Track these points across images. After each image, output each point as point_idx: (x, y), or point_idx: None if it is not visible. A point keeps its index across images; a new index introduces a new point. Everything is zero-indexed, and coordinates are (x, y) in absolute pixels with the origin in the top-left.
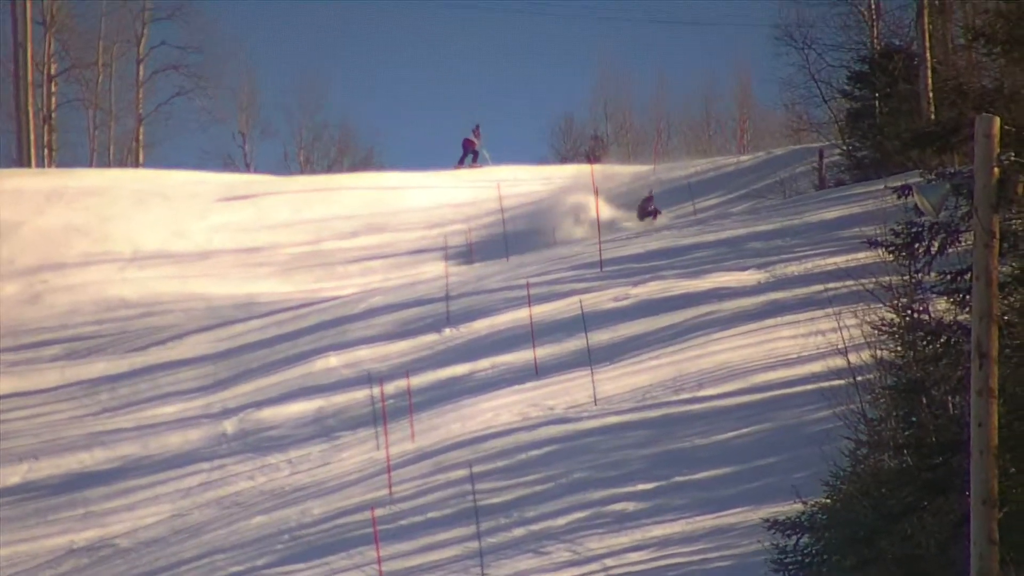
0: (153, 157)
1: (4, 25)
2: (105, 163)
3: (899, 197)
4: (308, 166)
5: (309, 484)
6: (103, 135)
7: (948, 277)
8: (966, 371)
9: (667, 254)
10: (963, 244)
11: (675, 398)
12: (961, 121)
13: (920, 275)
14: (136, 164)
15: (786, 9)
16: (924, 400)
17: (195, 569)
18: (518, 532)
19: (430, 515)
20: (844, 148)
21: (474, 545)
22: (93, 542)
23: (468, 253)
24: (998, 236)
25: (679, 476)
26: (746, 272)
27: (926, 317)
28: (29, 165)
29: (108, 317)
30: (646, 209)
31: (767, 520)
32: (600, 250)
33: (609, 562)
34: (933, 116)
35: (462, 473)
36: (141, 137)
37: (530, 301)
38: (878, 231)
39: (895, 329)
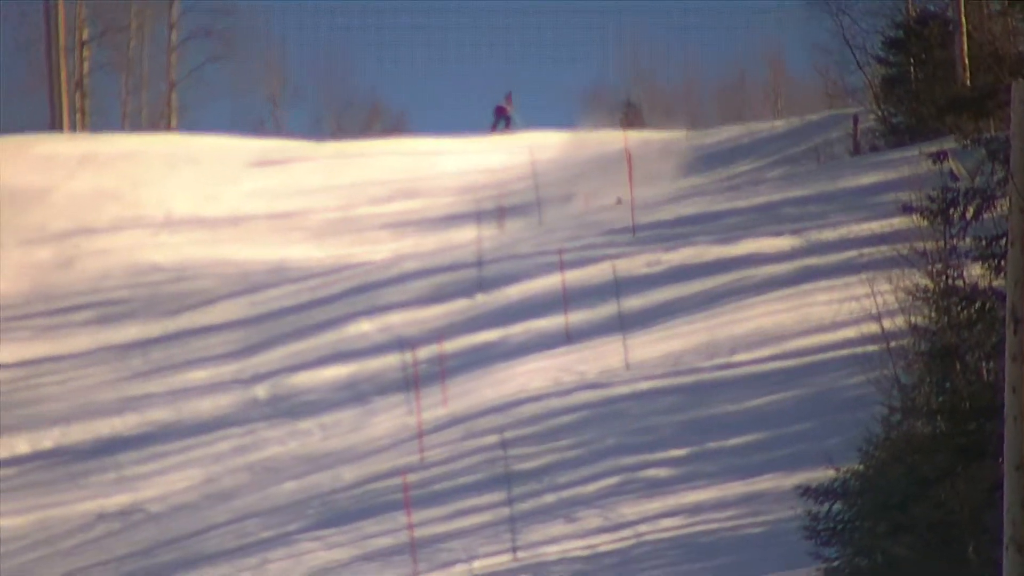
0: (185, 122)
1: None
2: (137, 128)
3: (934, 163)
4: (340, 131)
5: (341, 449)
6: (135, 100)
7: (983, 242)
8: (1001, 336)
9: (700, 220)
10: (998, 209)
11: (707, 364)
12: (996, 86)
13: (955, 240)
14: (168, 129)
15: None
16: (958, 366)
17: (226, 534)
18: (549, 498)
19: (461, 481)
20: (879, 114)
21: (505, 511)
22: (124, 507)
23: (500, 218)
24: None
25: (711, 442)
26: (780, 238)
27: (961, 282)
28: (61, 130)
29: (140, 282)
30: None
31: (799, 486)
32: (633, 215)
33: (641, 528)
34: (968, 82)
35: (494, 439)
36: (173, 102)
37: (563, 266)
38: (913, 197)
39: (929, 295)
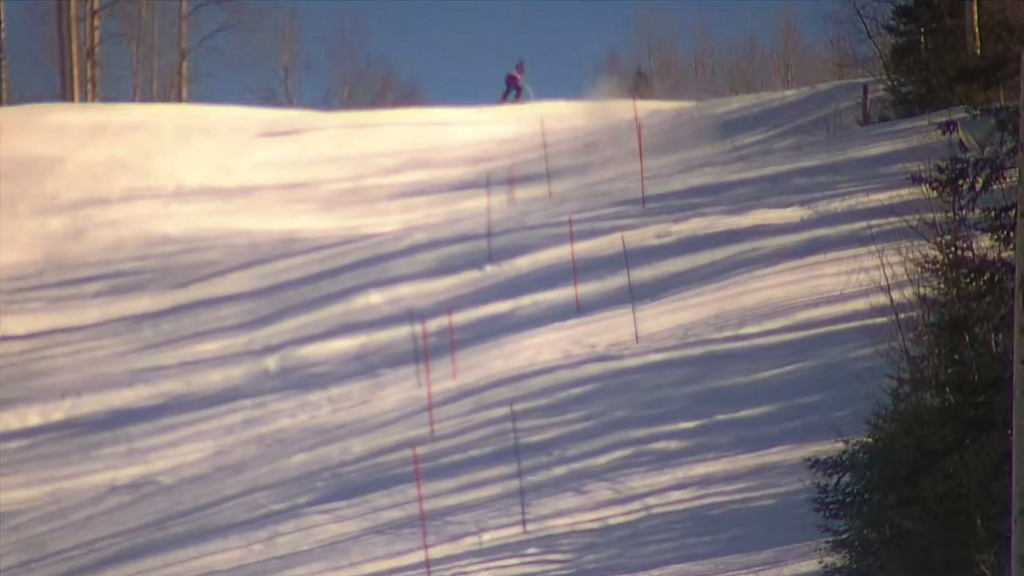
0: (196, 92)
1: None
2: (148, 98)
3: (944, 133)
4: (351, 102)
5: (350, 421)
6: (146, 70)
7: (992, 214)
8: (1010, 308)
9: (709, 191)
10: (1008, 180)
11: (717, 336)
12: (1007, 56)
13: (964, 212)
14: (179, 99)
15: None
16: (967, 338)
17: (237, 506)
18: (559, 470)
19: (471, 453)
20: (889, 84)
21: (515, 483)
22: (136, 479)
23: (511, 189)
24: None
25: (721, 414)
26: (789, 209)
27: (970, 254)
28: (72, 100)
29: (151, 253)
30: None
31: (808, 459)
32: (643, 187)
33: (650, 500)
34: (979, 51)
35: (503, 411)
36: (184, 72)
37: (572, 238)
38: (922, 167)
39: (938, 266)
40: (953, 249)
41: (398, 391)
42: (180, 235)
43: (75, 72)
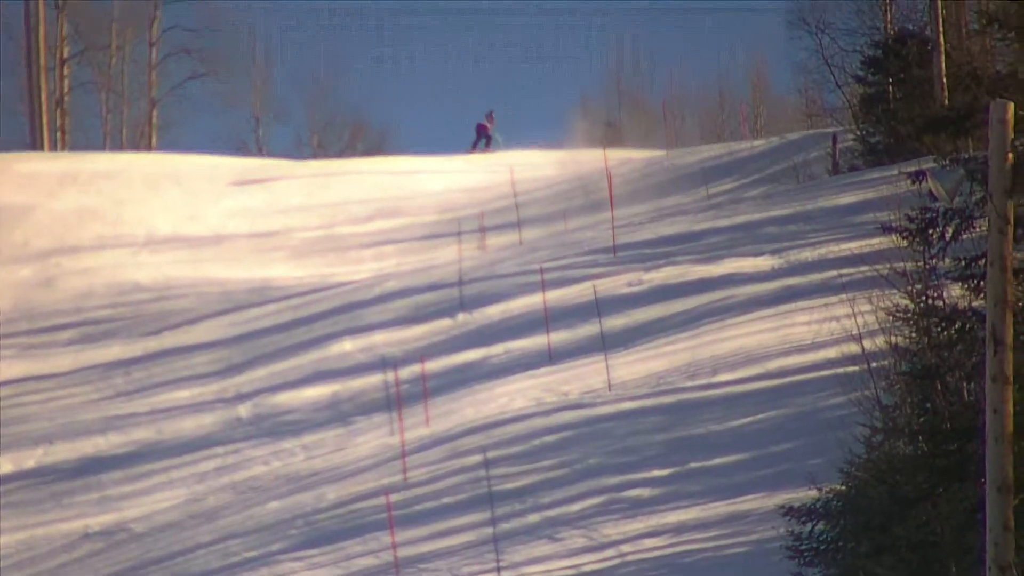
0: (166, 141)
1: (17, 8)
2: (118, 147)
3: (913, 183)
4: (321, 150)
5: (324, 469)
6: (116, 118)
7: (963, 263)
8: (981, 357)
9: (681, 239)
10: (978, 230)
11: (690, 383)
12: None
13: (935, 261)
14: (149, 148)
15: None
16: (939, 386)
17: (210, 554)
18: (533, 518)
19: (445, 500)
20: (858, 133)
21: (489, 531)
22: (108, 526)
23: (482, 237)
24: (1013, 222)
25: (694, 462)
26: (761, 257)
27: (941, 303)
28: (42, 148)
29: (122, 301)
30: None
31: (782, 506)
32: (614, 235)
33: (624, 548)
34: (947, 101)
35: (477, 459)
36: (154, 121)
37: (544, 286)
38: (892, 216)
39: (910, 315)
40: (924, 298)
41: (371, 439)
42: (151, 283)
43: (44, 120)
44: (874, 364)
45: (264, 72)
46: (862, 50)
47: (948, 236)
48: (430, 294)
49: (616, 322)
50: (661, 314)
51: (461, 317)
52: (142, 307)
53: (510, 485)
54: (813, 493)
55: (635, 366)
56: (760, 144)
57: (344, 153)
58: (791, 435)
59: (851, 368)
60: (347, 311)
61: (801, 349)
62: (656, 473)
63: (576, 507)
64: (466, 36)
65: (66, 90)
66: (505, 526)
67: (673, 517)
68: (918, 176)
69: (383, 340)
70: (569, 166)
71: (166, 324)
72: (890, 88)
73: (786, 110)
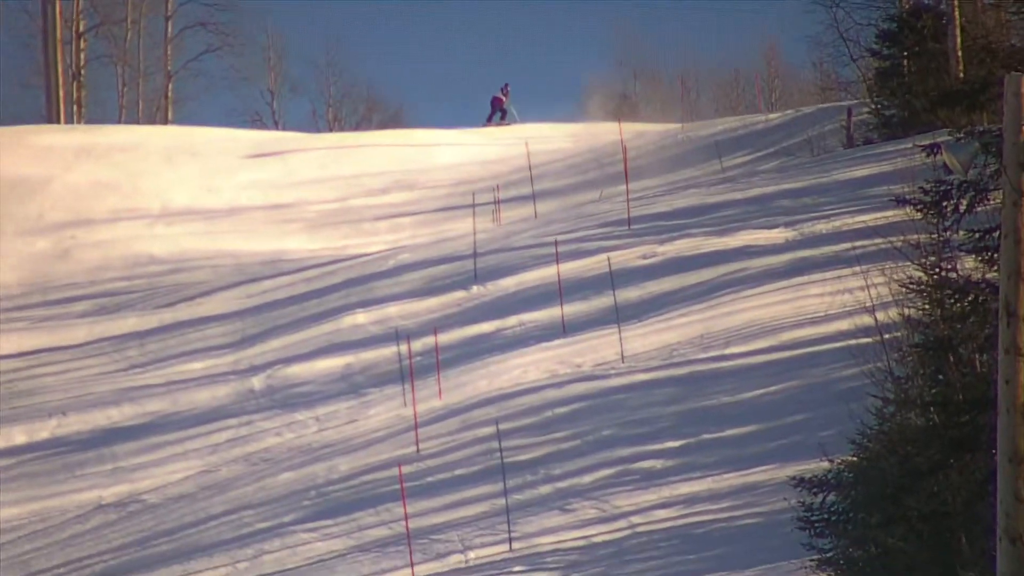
0: (182, 114)
1: None
2: (134, 120)
3: (928, 155)
4: (336, 124)
5: (336, 441)
6: (132, 92)
7: (976, 235)
8: (994, 329)
9: (695, 212)
10: (991, 202)
11: (703, 355)
12: (990, 80)
13: (948, 233)
14: (165, 121)
15: None
16: (951, 358)
17: (223, 525)
18: (545, 489)
19: (457, 472)
20: (872, 107)
21: (501, 502)
22: (122, 497)
23: (496, 210)
24: None
25: (706, 434)
26: (775, 230)
27: (954, 275)
28: (58, 121)
29: (137, 273)
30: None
31: (794, 478)
32: (628, 208)
33: (636, 519)
34: (962, 75)
35: (489, 430)
36: (170, 94)
37: (558, 258)
38: (906, 189)
39: (923, 287)
40: (937, 270)
41: (384, 410)
42: (166, 255)
43: (61, 94)
44: (887, 336)
45: (279, 46)
46: (877, 24)
47: (962, 208)
48: (444, 266)
49: (630, 294)
50: (675, 286)
51: (475, 289)
52: (157, 279)
53: (522, 457)
54: (825, 464)
55: (648, 338)
56: (775, 117)
57: (360, 126)
58: (803, 407)
59: (864, 340)
60: (361, 283)
61: (814, 321)
62: (668, 445)
63: (588, 478)
64: (482, 10)
65: (82, 63)
66: (517, 497)
67: (685, 488)
68: (933, 149)
69: (397, 312)
70: (584, 139)
71: (181, 296)
72: (905, 62)
73: (801, 84)
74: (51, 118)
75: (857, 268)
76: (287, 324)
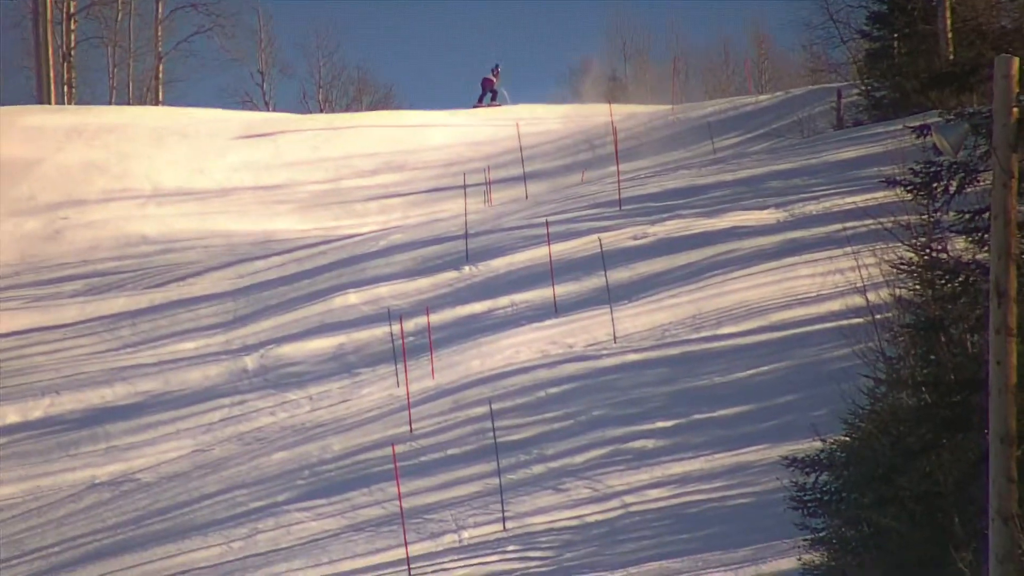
0: (172, 95)
1: None
2: (124, 101)
3: (918, 137)
4: (327, 105)
5: (329, 420)
6: (122, 73)
7: (967, 216)
8: (985, 310)
9: (686, 193)
10: (982, 184)
11: (694, 336)
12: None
13: (939, 214)
14: (155, 102)
15: None
16: (943, 338)
17: (216, 504)
18: (538, 469)
19: (450, 452)
20: (862, 88)
21: (494, 482)
22: (115, 476)
23: (487, 191)
24: (1016, 176)
25: (698, 414)
26: (765, 211)
27: (945, 256)
28: (49, 102)
29: (128, 253)
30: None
31: (786, 458)
32: (619, 189)
33: (628, 499)
34: (952, 56)
35: (482, 410)
36: (160, 75)
37: (549, 239)
38: (897, 170)
39: (914, 268)
40: (928, 251)
41: (376, 390)
42: (157, 236)
43: (51, 75)
44: (878, 316)
45: (269, 27)
46: (867, 5)
47: (952, 189)
48: (436, 247)
49: (621, 275)
50: (666, 267)
51: (467, 270)
52: (148, 259)
53: (515, 436)
54: (817, 444)
55: (640, 318)
56: (765, 99)
57: (350, 108)
58: (795, 387)
59: (855, 320)
60: (352, 264)
61: (805, 302)
62: (660, 425)
63: (580, 458)
64: None
65: (73, 44)
66: (510, 477)
67: (677, 468)
68: (923, 130)
69: (388, 292)
70: (574, 120)
71: (172, 276)
72: (895, 43)
73: (790, 65)
74: (42, 99)
75: (848, 249)
76: (279, 304)
